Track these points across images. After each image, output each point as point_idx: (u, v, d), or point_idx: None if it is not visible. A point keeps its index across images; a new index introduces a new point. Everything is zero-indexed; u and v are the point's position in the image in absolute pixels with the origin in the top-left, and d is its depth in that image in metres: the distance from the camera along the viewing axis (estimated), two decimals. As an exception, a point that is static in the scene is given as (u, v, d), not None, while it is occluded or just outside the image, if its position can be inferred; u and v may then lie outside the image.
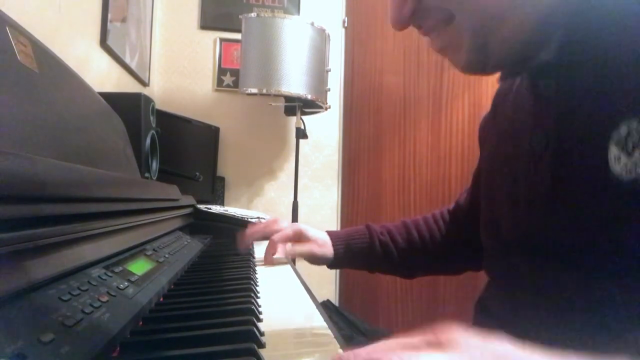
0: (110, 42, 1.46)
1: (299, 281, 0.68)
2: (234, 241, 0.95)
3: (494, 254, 0.59)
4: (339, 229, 1.45)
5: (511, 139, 0.55)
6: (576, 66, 0.43)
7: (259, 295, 0.57)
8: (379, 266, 0.81)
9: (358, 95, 2.38)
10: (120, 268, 0.47)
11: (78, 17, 1.26)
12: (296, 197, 1.96)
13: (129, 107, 1.10)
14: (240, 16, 1.85)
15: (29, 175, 0.33)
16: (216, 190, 2.12)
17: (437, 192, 2.32)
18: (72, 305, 0.34)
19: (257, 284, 0.64)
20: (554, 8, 0.42)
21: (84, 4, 1.30)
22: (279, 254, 0.80)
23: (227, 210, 1.27)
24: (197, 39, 2.23)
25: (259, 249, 0.97)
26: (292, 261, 0.88)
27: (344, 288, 2.34)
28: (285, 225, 0.84)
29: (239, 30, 1.89)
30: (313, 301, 0.56)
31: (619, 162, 0.38)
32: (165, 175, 1.33)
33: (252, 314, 0.45)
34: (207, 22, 2.23)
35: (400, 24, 0.46)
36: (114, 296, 0.40)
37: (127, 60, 1.66)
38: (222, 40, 2.24)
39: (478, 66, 0.46)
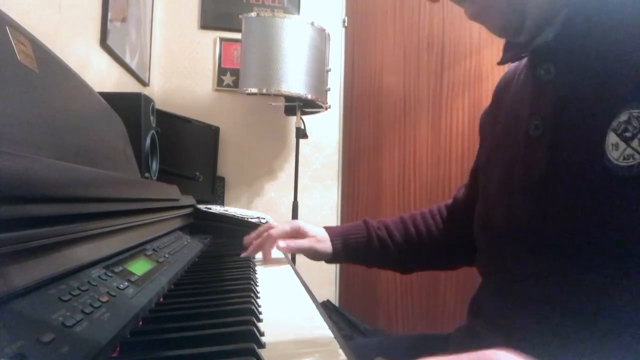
0: (110, 42, 1.46)
1: (299, 281, 0.68)
2: (234, 241, 0.95)
3: (485, 250, 0.59)
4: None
5: (510, 128, 0.55)
6: (576, 50, 0.43)
7: (259, 295, 0.57)
8: (377, 261, 0.82)
9: (358, 95, 2.38)
10: (120, 268, 0.47)
11: (78, 17, 1.26)
12: (296, 197, 1.96)
13: (129, 107, 1.10)
14: (240, 16, 1.85)
15: (29, 175, 0.33)
16: (216, 190, 2.12)
17: (436, 192, 2.32)
18: (72, 305, 0.33)
19: (257, 284, 0.64)
20: None
21: (84, 4, 1.30)
22: (282, 251, 0.79)
23: (227, 210, 1.27)
24: (197, 39, 2.23)
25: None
26: (292, 260, 0.88)
27: (344, 288, 2.34)
28: (282, 225, 0.84)
29: (239, 30, 1.89)
30: (313, 301, 0.56)
31: (616, 149, 0.38)
32: (165, 175, 1.33)
33: (252, 314, 0.45)
34: (207, 22, 2.23)
35: None
36: (114, 296, 0.40)
37: (127, 60, 1.66)
38: (222, 40, 2.24)
39: (515, 29, 0.47)
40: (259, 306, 0.51)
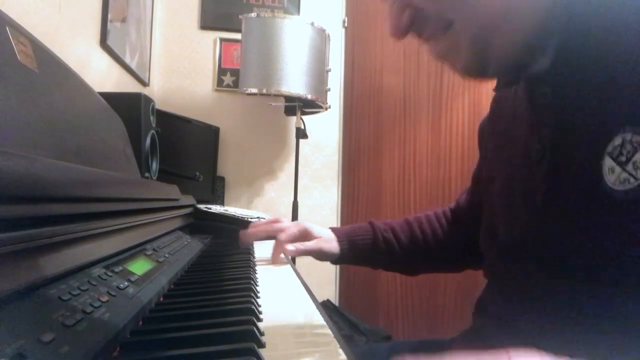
0: (110, 42, 1.46)
1: (299, 281, 0.68)
2: (234, 241, 0.95)
3: (491, 257, 0.59)
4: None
5: (508, 146, 0.55)
6: (572, 75, 0.43)
7: (259, 295, 0.57)
8: (382, 263, 0.82)
9: (358, 95, 2.38)
10: (120, 268, 0.47)
11: (78, 17, 1.26)
12: (296, 197, 1.96)
13: (129, 107, 1.10)
14: (240, 16, 1.85)
15: (29, 175, 0.33)
16: (216, 190, 2.12)
17: (436, 192, 2.32)
18: (72, 305, 0.33)
19: (257, 284, 0.64)
20: (550, 14, 0.42)
21: (84, 4, 1.30)
22: (288, 248, 0.79)
23: (227, 210, 1.26)
24: (197, 39, 2.23)
25: (259, 249, 0.97)
26: (292, 260, 0.88)
27: (344, 288, 2.34)
28: (288, 224, 0.84)
29: (239, 30, 1.89)
30: (313, 301, 0.56)
31: (612, 173, 0.38)
32: (165, 175, 1.33)
33: (252, 313, 0.45)
34: (207, 22, 2.23)
35: (399, 33, 0.47)
36: (114, 296, 0.40)
37: (127, 60, 1.66)
38: (222, 40, 2.24)
39: (478, 71, 0.46)
40: (259, 306, 0.51)
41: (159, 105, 1.43)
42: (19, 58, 0.51)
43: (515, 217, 0.51)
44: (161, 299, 0.52)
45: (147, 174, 1.16)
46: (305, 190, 2.28)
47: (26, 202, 0.32)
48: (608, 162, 0.38)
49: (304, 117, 2.03)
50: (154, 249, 0.64)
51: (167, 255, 0.65)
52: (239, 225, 1.16)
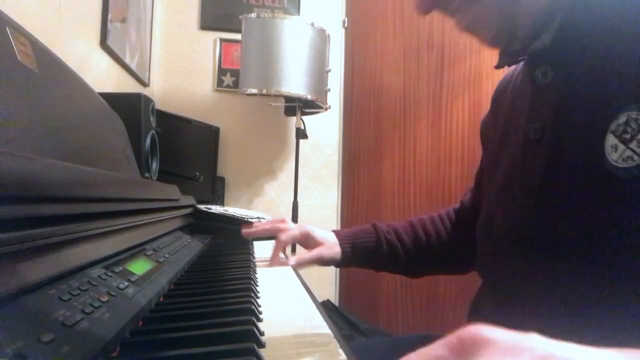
0: (110, 42, 1.46)
1: (299, 281, 0.68)
2: (234, 241, 0.95)
3: (486, 253, 0.59)
4: (339, 229, 1.45)
5: (510, 132, 0.55)
6: (573, 53, 0.43)
7: (259, 295, 0.57)
8: (385, 266, 0.81)
9: (358, 95, 2.38)
10: (120, 268, 0.47)
11: (78, 17, 1.26)
12: (296, 197, 1.96)
13: (129, 107, 1.10)
14: (240, 16, 1.85)
15: (29, 175, 0.33)
16: (216, 190, 2.12)
17: (436, 192, 2.32)
18: (72, 305, 0.33)
19: (257, 284, 0.64)
20: None
21: (84, 4, 1.30)
22: (290, 263, 0.79)
23: (227, 210, 1.26)
24: (197, 39, 2.23)
25: (259, 249, 0.97)
26: None
27: (344, 288, 2.34)
28: (292, 226, 0.84)
29: (239, 31, 1.89)
30: (313, 301, 0.56)
31: (615, 151, 0.38)
32: (165, 175, 1.33)
33: (252, 314, 0.45)
34: (207, 22, 2.23)
35: (425, 8, 0.47)
36: (114, 296, 0.40)
37: (127, 60, 1.66)
38: (222, 40, 2.24)
39: (506, 40, 0.46)
40: (259, 306, 0.51)
41: (159, 105, 1.43)
42: (19, 58, 0.51)
43: (514, 202, 0.50)
44: (161, 299, 0.52)
45: (147, 174, 1.16)
46: (305, 190, 2.28)
47: (26, 202, 0.32)
48: (611, 140, 0.38)
49: (304, 118, 2.03)
50: (154, 249, 0.64)
51: (167, 256, 0.65)
52: (239, 226, 1.16)
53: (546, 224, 0.45)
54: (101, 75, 1.46)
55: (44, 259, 0.34)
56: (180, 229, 0.94)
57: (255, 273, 0.72)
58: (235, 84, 2.20)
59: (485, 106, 0.68)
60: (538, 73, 0.47)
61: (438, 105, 2.34)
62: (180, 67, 2.21)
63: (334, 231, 0.82)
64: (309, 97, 1.82)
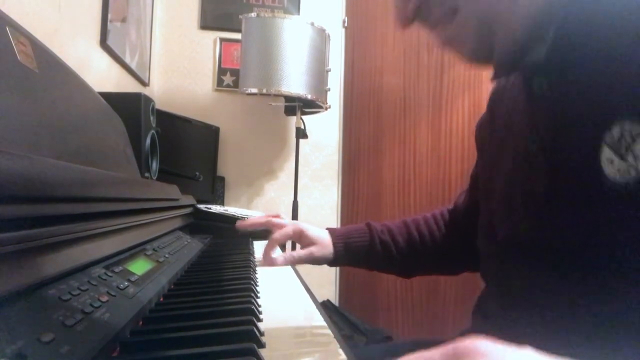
0: (110, 42, 1.46)
1: (299, 281, 0.68)
2: (234, 241, 0.95)
3: (489, 258, 0.59)
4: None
5: (507, 140, 0.55)
6: (569, 64, 0.43)
7: (259, 295, 0.57)
8: (378, 265, 0.81)
9: (358, 95, 2.38)
10: (120, 268, 0.47)
11: (78, 17, 1.26)
12: (296, 197, 1.96)
13: (129, 107, 1.10)
14: (240, 16, 1.85)
15: (29, 175, 0.33)
16: (216, 190, 2.12)
17: (437, 192, 2.32)
18: (72, 305, 0.34)
19: (257, 284, 0.64)
20: (550, 1, 0.43)
21: (84, 4, 1.30)
22: (279, 264, 0.79)
23: (227, 210, 1.26)
24: (197, 39, 2.23)
25: (259, 249, 0.97)
26: None
27: (344, 288, 2.34)
28: (287, 222, 0.84)
29: (239, 30, 1.89)
30: (313, 301, 0.56)
31: (611, 164, 0.38)
32: (165, 175, 1.33)
33: (252, 314, 0.45)
34: (207, 22, 2.23)
35: (405, 22, 0.47)
36: (114, 296, 0.40)
37: (127, 60, 1.66)
38: (222, 40, 2.24)
39: (484, 56, 0.46)
40: (259, 306, 0.51)
41: (159, 105, 1.43)
42: (19, 58, 0.51)
43: (516, 213, 0.50)
44: (161, 299, 0.52)
45: (147, 174, 1.16)
46: (305, 190, 2.28)
47: (26, 202, 0.32)
48: (606, 153, 0.38)
49: (304, 117, 2.03)
50: (154, 249, 0.64)
51: (167, 255, 0.65)
52: (239, 225, 1.16)
53: (549, 235, 0.45)
54: (101, 75, 1.46)
55: (44, 259, 0.34)
56: (180, 228, 0.94)
57: (255, 273, 0.72)
58: (235, 84, 2.20)
59: (485, 106, 0.68)
60: (533, 84, 0.47)
61: (438, 105, 2.34)
62: (180, 67, 2.21)
63: (328, 229, 0.82)
64: (309, 96, 1.82)
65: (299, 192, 1.99)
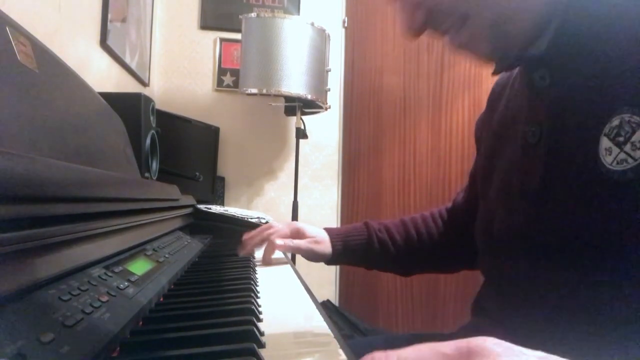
0: (110, 42, 1.46)
1: (299, 281, 0.68)
2: (234, 241, 0.95)
3: (487, 253, 0.59)
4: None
5: (506, 135, 0.55)
6: (569, 58, 0.43)
7: (259, 295, 0.57)
8: (377, 263, 0.81)
9: (358, 95, 2.38)
10: (120, 268, 0.47)
11: (78, 17, 1.26)
12: (296, 197, 1.96)
13: (129, 107, 1.10)
14: (240, 16, 1.85)
15: (29, 175, 0.33)
16: (216, 190, 2.12)
17: (437, 192, 2.32)
18: (72, 305, 0.33)
19: (257, 284, 0.64)
20: None
21: (84, 4, 1.30)
22: (279, 249, 0.79)
23: (227, 210, 1.26)
24: (197, 39, 2.23)
25: (259, 249, 0.97)
26: (292, 260, 0.88)
27: (344, 288, 2.34)
28: (280, 226, 0.84)
29: (239, 30, 1.89)
30: (313, 301, 0.56)
31: (609, 154, 0.38)
32: (165, 175, 1.33)
33: (252, 314, 0.45)
34: (207, 22, 2.23)
35: (415, 32, 0.47)
36: (114, 296, 0.40)
37: (127, 60, 1.66)
38: (222, 40, 2.24)
39: (501, 51, 0.47)
40: (259, 306, 0.51)
41: (159, 105, 1.43)
42: (19, 58, 0.51)
43: (513, 205, 0.51)
44: (161, 299, 0.52)
45: (147, 174, 1.16)
46: (305, 190, 2.28)
47: (26, 202, 0.32)
48: (605, 143, 0.38)
49: (304, 117, 2.03)
50: (154, 249, 0.64)
51: (167, 256, 0.65)
52: (239, 225, 1.16)
53: (546, 226, 0.45)
54: (101, 75, 1.46)
55: (44, 259, 0.34)
56: (180, 229, 0.94)
57: (255, 273, 0.72)
58: (235, 84, 2.20)
59: (483, 109, 0.68)
60: (535, 76, 0.47)
61: (438, 105, 2.34)
62: (180, 67, 2.21)
63: (325, 229, 0.82)
64: (309, 96, 1.82)
65: (299, 192, 1.99)
